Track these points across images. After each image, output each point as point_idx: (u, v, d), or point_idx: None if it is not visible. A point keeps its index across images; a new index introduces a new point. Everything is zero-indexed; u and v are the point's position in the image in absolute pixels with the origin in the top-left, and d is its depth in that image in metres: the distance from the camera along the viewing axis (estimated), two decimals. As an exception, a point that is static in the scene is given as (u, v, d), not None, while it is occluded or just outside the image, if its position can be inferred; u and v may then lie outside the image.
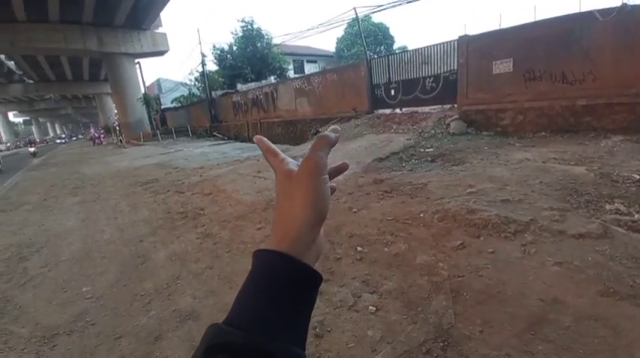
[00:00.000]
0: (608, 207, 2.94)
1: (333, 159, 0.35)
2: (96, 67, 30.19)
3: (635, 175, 3.54)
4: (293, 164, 0.37)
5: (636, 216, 2.77)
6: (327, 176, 0.35)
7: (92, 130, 28.47)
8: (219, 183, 6.06)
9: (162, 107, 29.15)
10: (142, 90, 23.49)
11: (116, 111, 24.30)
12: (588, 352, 1.61)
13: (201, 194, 5.54)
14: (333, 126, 0.39)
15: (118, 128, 22.24)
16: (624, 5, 5.59)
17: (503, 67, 7.14)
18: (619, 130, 5.66)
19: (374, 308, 2.10)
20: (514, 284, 2.13)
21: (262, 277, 0.31)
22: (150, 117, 23.94)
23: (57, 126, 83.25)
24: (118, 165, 10.94)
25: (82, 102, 49.73)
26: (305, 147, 8.66)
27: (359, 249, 2.87)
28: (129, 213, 5.04)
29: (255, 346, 0.27)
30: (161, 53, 23.47)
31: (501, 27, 7.55)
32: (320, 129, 10.27)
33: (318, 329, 1.98)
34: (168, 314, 2.36)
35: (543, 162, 4.42)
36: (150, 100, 23.31)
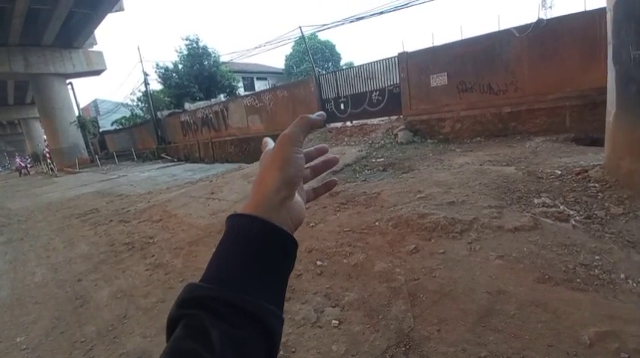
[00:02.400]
0: (536, 201, 3.28)
1: None
2: (21, 90, 27.22)
3: (556, 171, 4.01)
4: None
5: (561, 207, 3.13)
6: (300, 148, 0.38)
7: (18, 159, 25.35)
8: (170, 207, 5.71)
9: (100, 130, 27.00)
10: (76, 113, 21.60)
11: (45, 136, 21.97)
12: (534, 337, 1.75)
13: (149, 221, 5.17)
14: (320, 112, 0.42)
15: (48, 155, 20.07)
16: (540, 21, 6.44)
17: (439, 80, 7.78)
18: (540, 132, 6.42)
19: (337, 322, 2.09)
20: (464, 280, 2.27)
21: (231, 239, 0.33)
22: (87, 142, 21.99)
23: (-27, 157, 72.88)
24: (50, 197, 9.82)
25: (7, 128, 44.21)
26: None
27: (319, 263, 2.86)
28: (64, 250, 4.52)
29: (229, 299, 0.28)
30: (97, 72, 21.87)
31: (434, 44, 8.26)
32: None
33: (282, 352, 1.92)
34: (115, 358, 2.13)
35: (480, 165, 4.84)
36: (86, 123, 21.50)
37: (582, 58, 5.97)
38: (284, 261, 0.34)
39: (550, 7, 15.86)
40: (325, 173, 0.46)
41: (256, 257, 0.32)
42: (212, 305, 0.28)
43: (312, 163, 0.45)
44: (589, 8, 6.10)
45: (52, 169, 19.12)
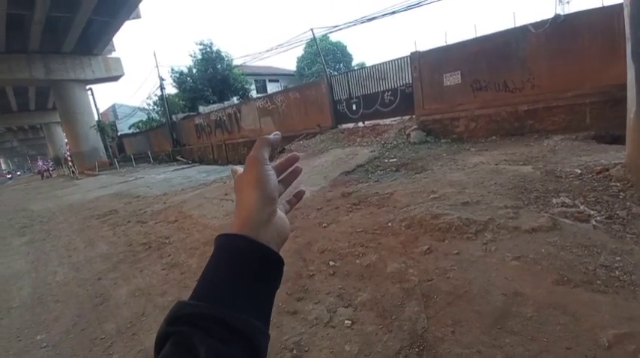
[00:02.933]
0: (554, 201, 3.20)
1: (302, 176, 0.37)
2: (43, 96, 28.32)
3: (576, 170, 3.90)
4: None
5: (581, 207, 3.04)
6: (268, 166, 0.41)
7: (40, 163, 26.37)
8: (185, 208, 5.83)
9: (119, 134, 27.79)
10: (96, 117, 22.32)
11: (66, 140, 22.76)
12: (552, 340, 1.71)
13: (165, 222, 5.29)
14: (275, 132, 0.46)
15: (69, 158, 20.80)
16: (557, 16, 6.28)
17: (452, 79, 7.67)
18: (559, 130, 6.24)
19: (350, 322, 2.10)
20: (479, 282, 2.23)
21: (219, 257, 0.35)
22: (106, 145, 22.68)
23: (1, 161, 76.28)
24: (71, 199, 10.18)
25: (29, 133, 46.09)
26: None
27: (331, 263, 2.87)
28: (84, 250, 4.67)
29: (217, 316, 0.30)
30: (115, 78, 22.57)
31: (447, 43, 8.15)
32: (286, 147, 10.31)
33: (295, 351, 1.93)
34: (133, 356, 2.19)
35: (496, 165, 4.75)
36: (105, 127, 22.17)
37: (601, 54, 5.78)
38: (270, 277, 0.35)
39: (567, 3, 15.41)
40: (294, 183, 0.49)
41: (244, 274, 0.33)
42: (201, 323, 0.29)
43: (281, 176, 0.47)
44: (607, 4, 5.90)
45: (73, 172, 19.81)
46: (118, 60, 22.21)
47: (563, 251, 2.41)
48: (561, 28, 6.16)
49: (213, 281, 0.33)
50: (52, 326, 2.74)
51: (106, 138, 22.58)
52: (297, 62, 26.39)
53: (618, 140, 4.84)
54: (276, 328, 2.16)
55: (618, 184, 3.27)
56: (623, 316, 1.75)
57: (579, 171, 3.83)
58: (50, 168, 25.60)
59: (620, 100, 4.11)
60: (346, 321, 2.11)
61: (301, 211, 4.33)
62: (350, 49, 26.28)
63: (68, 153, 21.30)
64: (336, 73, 13.52)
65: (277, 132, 0.45)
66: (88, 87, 21.87)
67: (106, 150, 22.69)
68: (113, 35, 19.48)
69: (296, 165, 0.50)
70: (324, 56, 17.77)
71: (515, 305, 1.97)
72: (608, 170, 3.60)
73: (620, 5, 4.42)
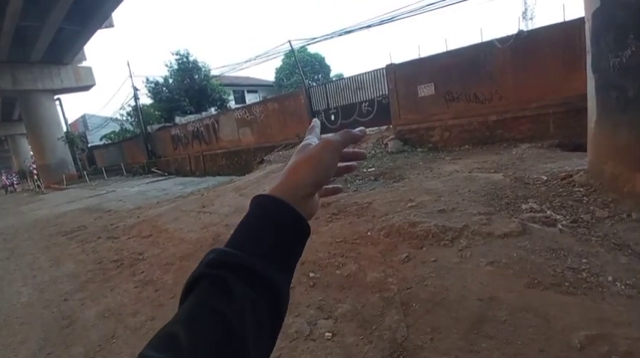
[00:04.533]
0: (524, 206, 3.34)
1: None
2: (9, 106, 26.80)
3: (542, 176, 4.10)
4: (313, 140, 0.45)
5: (548, 212, 3.18)
6: (337, 156, 0.42)
7: (3, 176, 24.77)
8: (160, 222, 5.63)
9: (89, 145, 26.68)
10: (64, 129, 21.34)
11: (32, 153, 21.57)
12: (525, 342, 1.76)
13: (139, 237, 5.08)
14: (361, 127, 0.47)
15: (35, 172, 19.68)
16: (520, 32, 6.68)
17: (426, 90, 7.95)
18: (526, 139, 6.57)
19: (330, 334, 2.07)
20: (455, 288, 2.27)
21: (257, 214, 0.37)
22: (74, 158, 21.66)
23: (-44, 175, 70.79)
24: (36, 214, 9.59)
25: (-7, 145, 43.31)
26: (251, 177, 8.53)
27: (311, 275, 2.84)
28: (50, 269, 4.40)
29: (250, 266, 0.33)
30: (86, 88, 21.74)
31: (421, 56, 8.47)
32: (265, 158, 10.25)
33: (274, 367, 1.88)
34: (102, 380, 2.06)
35: (469, 172, 4.92)
36: (74, 139, 21.22)
37: (563, 67, 6.19)
38: (300, 244, 0.38)
39: (531, 19, 16.49)
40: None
41: (279, 234, 0.36)
42: (237, 269, 0.32)
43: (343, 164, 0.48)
44: (568, 18, 6.36)
45: (38, 186, 18.73)
46: (89, 69, 21.44)
47: (533, 254, 2.50)
48: (525, 43, 6.56)
49: (251, 234, 0.36)
50: (19, 350, 2.55)
51: (75, 149, 21.59)
52: (276, 73, 26.49)
53: (580, 147, 5.15)
54: (255, 344, 2.10)
55: (581, 189, 3.47)
56: (593, 317, 1.83)
57: (545, 178, 4.03)
58: (15, 182, 24.09)
59: (581, 110, 4.39)
60: (327, 334, 2.09)
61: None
62: (328, 61, 26.70)
63: (34, 166, 20.16)
64: (314, 84, 13.69)
65: (362, 128, 0.46)
66: (56, 97, 20.94)
67: (75, 162, 21.66)
68: (84, 44, 18.85)
69: (359, 151, 0.50)
70: (303, 67, 17.98)
71: (491, 309, 2.02)
72: (571, 176, 3.81)
73: (581, 20, 4.76)
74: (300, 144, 0.44)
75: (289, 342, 2.07)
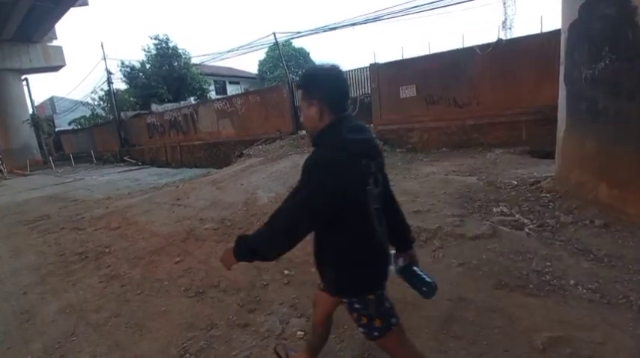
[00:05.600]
0: (495, 210, 3.45)
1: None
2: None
3: (513, 181, 4.25)
4: None
5: (517, 216, 3.31)
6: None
7: None
8: (130, 214, 5.40)
9: (57, 129, 25.21)
10: (30, 111, 20.04)
11: (-6, 136, 20.14)
12: (491, 342, 1.81)
13: (106, 229, 4.84)
14: None
15: (-3, 156, 18.40)
16: (499, 40, 6.88)
17: (408, 91, 8.05)
18: (500, 144, 6.80)
19: (302, 333, 2.05)
20: (428, 288, 2.31)
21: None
22: (40, 142, 20.43)
23: None
24: (-5, 201, 8.97)
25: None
26: (229, 170, 8.35)
27: (286, 272, 2.81)
28: (9, 260, 4.12)
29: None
30: (55, 69, 20.54)
31: (404, 57, 8.56)
32: (244, 152, 10.06)
33: (244, 367, 1.84)
34: (58, 380, 1.94)
35: (445, 175, 5.03)
36: (40, 122, 20.01)
37: (537, 77, 6.44)
38: None
39: (510, 29, 17.09)
40: None
41: None
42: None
43: None
44: (545, 30, 6.61)
45: (0, 171, 17.52)
46: (59, 49, 20.25)
47: (502, 257, 2.59)
48: (503, 51, 6.77)
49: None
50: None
51: (40, 134, 20.36)
52: (259, 65, 26.05)
53: (549, 155, 5.39)
54: (225, 343, 2.05)
55: (548, 195, 3.63)
56: (555, 319, 1.91)
57: (516, 183, 4.18)
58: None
59: (550, 120, 4.58)
60: (299, 332, 2.07)
61: (257, 218, 4.23)
62: (313, 56, 26.54)
63: (-5, 150, 18.84)
64: (298, 79, 13.55)
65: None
66: (23, 77, 19.61)
67: (41, 147, 20.45)
68: (56, 22, 17.79)
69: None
70: (287, 61, 17.76)
71: (459, 309, 2.07)
72: (539, 182, 3.98)
73: (555, 32, 4.93)
74: None
75: (260, 341, 2.04)
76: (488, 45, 6.90)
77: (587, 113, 3.39)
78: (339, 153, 1.08)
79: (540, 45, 6.35)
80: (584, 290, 2.15)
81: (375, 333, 1.21)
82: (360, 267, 1.18)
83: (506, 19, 17.34)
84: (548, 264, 2.45)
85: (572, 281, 2.24)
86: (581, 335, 1.77)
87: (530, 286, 2.23)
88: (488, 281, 2.31)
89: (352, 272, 1.20)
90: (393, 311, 1.24)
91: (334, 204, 1.08)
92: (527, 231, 2.98)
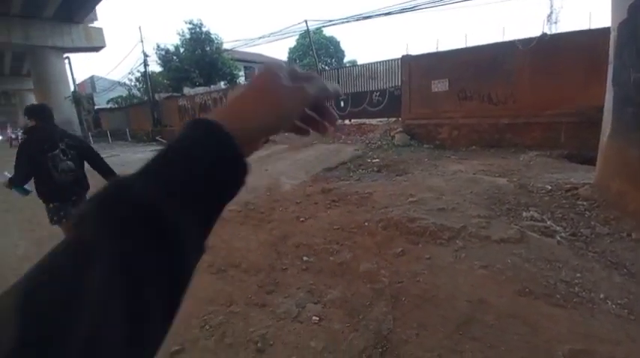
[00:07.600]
0: (524, 214, 3.31)
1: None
2: (19, 61, 26.51)
3: (547, 186, 4.05)
4: None
5: (548, 222, 3.16)
6: (305, 102, 0.35)
7: (8, 131, 24.87)
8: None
9: (96, 107, 26.54)
10: (72, 88, 21.19)
11: (38, 110, 21.46)
12: (510, 348, 1.77)
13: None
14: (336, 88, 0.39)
15: (40, 129, 19.65)
16: (544, 35, 6.47)
17: (440, 85, 7.79)
18: (535, 146, 6.47)
19: (317, 318, 2.09)
20: (447, 287, 2.28)
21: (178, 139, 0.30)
22: (80, 119, 21.61)
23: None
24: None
25: (1, 99, 43.17)
26: (254, 155, 8.46)
27: (305, 258, 2.86)
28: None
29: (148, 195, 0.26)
30: (96, 49, 21.45)
31: (438, 50, 8.26)
32: (270, 138, 10.17)
33: (259, 344, 1.91)
34: None
35: (474, 174, 4.87)
36: (81, 99, 21.09)
37: (582, 76, 6.02)
38: (226, 180, 0.31)
39: (555, 23, 15.98)
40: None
41: (193, 162, 0.29)
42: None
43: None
44: (594, 27, 6.14)
45: (42, 143, 18.74)
46: (99, 30, 21.09)
47: (528, 263, 2.50)
48: (547, 47, 6.36)
49: (159, 163, 0.29)
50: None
51: (81, 110, 21.50)
52: (289, 53, 26.05)
53: (589, 161, 5.07)
54: (243, 320, 2.13)
55: (585, 203, 3.43)
56: (580, 332, 1.83)
57: (550, 188, 3.98)
58: (19, 137, 24.20)
59: (594, 122, 4.29)
60: (314, 317, 2.11)
61: (280, 204, 4.30)
62: (343, 45, 26.20)
63: (39, 123, 20.15)
64: (327, 68, 13.44)
65: (338, 89, 0.39)
66: (65, 55, 20.69)
67: (81, 123, 21.62)
68: (97, 3, 18.48)
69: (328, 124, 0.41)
70: (317, 50, 17.63)
71: (479, 312, 2.03)
72: (577, 189, 3.76)
73: (606, 29, 4.58)
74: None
75: (276, 321, 2.10)
76: (530, 39, 6.50)
77: (634, 118, 3.15)
78: None
79: (588, 42, 5.91)
80: (613, 305, 2.04)
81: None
82: None
83: (551, 12, 16.24)
84: (578, 275, 2.34)
85: (601, 295, 2.13)
86: (604, 349, 1.70)
87: (557, 296, 2.14)
88: (512, 287, 2.24)
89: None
90: None
91: None
92: (558, 238, 2.84)
